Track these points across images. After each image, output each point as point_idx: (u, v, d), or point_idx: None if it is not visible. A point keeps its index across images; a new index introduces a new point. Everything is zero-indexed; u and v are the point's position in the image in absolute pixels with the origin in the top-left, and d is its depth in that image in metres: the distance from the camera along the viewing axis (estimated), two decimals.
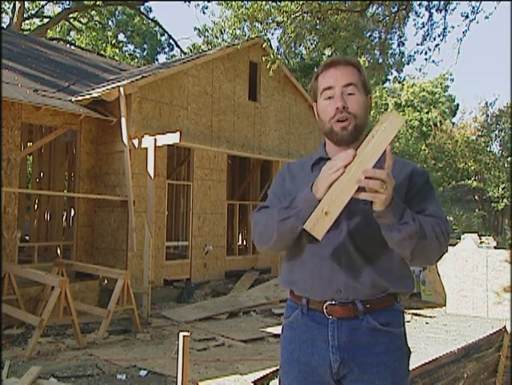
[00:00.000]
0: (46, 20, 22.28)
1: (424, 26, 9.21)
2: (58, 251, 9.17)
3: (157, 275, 8.34)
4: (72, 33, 25.15)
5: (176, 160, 11.66)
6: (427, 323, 7.45)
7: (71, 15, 22.28)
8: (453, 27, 9.88)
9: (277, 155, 10.92)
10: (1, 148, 7.06)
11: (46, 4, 22.78)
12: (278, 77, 11.01)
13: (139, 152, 8.12)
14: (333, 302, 1.52)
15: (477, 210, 16.53)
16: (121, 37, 25.08)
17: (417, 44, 9.49)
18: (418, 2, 9.27)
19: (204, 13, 23.11)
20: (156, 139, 7.55)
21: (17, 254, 7.45)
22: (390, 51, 10.64)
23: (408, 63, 11.30)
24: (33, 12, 22.59)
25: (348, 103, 1.53)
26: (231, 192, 12.79)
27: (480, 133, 16.55)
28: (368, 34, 10.08)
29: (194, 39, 42.52)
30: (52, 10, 24.03)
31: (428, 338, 6.44)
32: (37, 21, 23.74)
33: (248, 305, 7.91)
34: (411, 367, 1.62)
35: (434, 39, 9.19)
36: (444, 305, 8.50)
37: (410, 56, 10.99)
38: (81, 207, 8.44)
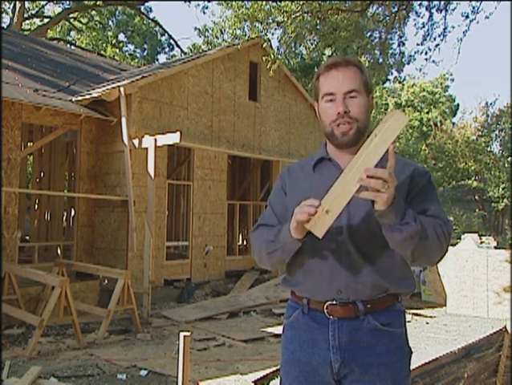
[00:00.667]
0: (46, 20, 22.29)
1: (424, 26, 9.22)
2: (59, 251, 9.17)
3: (157, 275, 8.34)
4: (72, 33, 25.16)
5: (177, 160, 11.66)
6: (427, 323, 7.45)
7: (71, 15, 22.28)
8: (453, 27, 9.87)
9: (277, 155, 10.92)
10: (1, 148, 7.07)
11: (46, 4, 22.79)
12: (278, 77, 11.01)
13: (139, 152, 8.12)
14: (334, 302, 1.52)
15: (477, 210, 16.52)
16: (121, 37, 25.10)
17: (417, 44, 9.51)
18: (418, 2, 9.28)
19: (204, 13, 23.18)
20: (156, 139, 7.55)
21: (17, 254, 7.45)
22: (390, 51, 10.64)
23: (408, 63, 11.32)
24: (33, 12, 22.60)
25: (350, 106, 1.52)
26: (231, 192, 12.79)
27: (480, 133, 16.54)
28: (368, 34, 10.09)
29: (194, 39, 42.59)
30: (52, 10, 24.06)
31: (428, 338, 6.44)
32: (37, 21, 23.75)
33: (248, 305, 7.91)
34: (411, 367, 1.62)
35: (434, 39, 9.20)
36: (445, 305, 8.50)
37: (410, 56, 11.00)
38: (81, 207, 8.44)
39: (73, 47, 20.32)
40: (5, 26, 18.74)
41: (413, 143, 22.43)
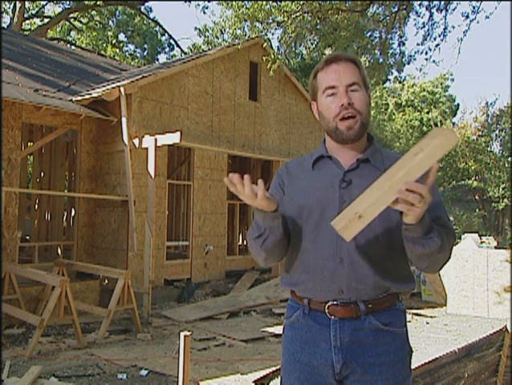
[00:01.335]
0: (46, 20, 22.29)
1: (424, 26, 9.23)
2: (59, 251, 9.17)
3: (158, 275, 8.35)
4: (73, 33, 25.15)
5: (177, 159, 11.66)
6: (427, 323, 7.45)
7: (71, 15, 22.28)
8: (453, 27, 9.90)
9: (277, 155, 10.92)
10: (1, 148, 7.07)
11: (46, 4, 22.79)
12: (278, 77, 11.01)
13: (139, 152, 8.12)
14: (335, 303, 1.51)
15: (477, 210, 16.54)
16: (121, 37, 25.10)
17: (418, 44, 9.52)
18: (418, 2, 9.28)
19: (204, 13, 23.04)
20: (156, 139, 7.55)
21: (17, 254, 7.45)
22: (390, 51, 10.65)
23: (408, 63, 11.32)
24: (33, 12, 22.60)
25: (353, 99, 1.51)
26: (231, 192, 12.74)
27: (480, 133, 16.55)
28: (369, 33, 10.10)
29: (194, 39, 42.59)
30: (52, 9, 24.06)
31: (428, 338, 6.44)
32: (37, 21, 23.74)
33: (248, 305, 7.92)
34: (412, 367, 1.62)
35: (435, 39, 9.21)
36: (445, 305, 8.50)
37: (410, 56, 11.01)
38: (81, 207, 8.44)
39: (73, 47, 20.32)
40: (5, 26, 18.75)
41: (414, 143, 22.43)
